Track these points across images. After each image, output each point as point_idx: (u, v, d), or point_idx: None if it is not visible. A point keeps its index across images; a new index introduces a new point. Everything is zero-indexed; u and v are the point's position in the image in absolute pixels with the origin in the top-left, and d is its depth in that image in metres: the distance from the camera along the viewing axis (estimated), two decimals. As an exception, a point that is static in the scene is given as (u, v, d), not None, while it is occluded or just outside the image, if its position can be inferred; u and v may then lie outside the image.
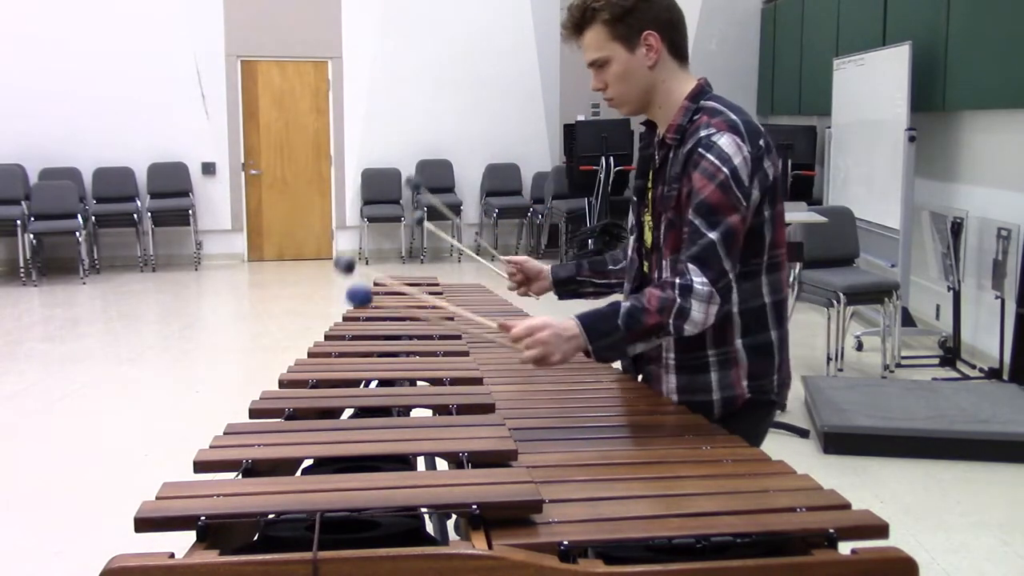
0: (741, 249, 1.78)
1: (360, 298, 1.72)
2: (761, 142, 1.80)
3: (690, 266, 1.75)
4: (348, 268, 1.98)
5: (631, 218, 2.08)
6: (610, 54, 1.87)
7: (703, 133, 1.79)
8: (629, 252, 2.10)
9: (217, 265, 9.93)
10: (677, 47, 1.89)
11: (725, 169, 1.74)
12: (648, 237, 1.98)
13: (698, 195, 1.76)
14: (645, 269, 2.01)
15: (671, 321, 1.74)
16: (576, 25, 1.91)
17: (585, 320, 1.77)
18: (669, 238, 1.86)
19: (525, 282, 2.34)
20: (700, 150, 1.77)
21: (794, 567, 1.24)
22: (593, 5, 1.85)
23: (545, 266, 2.32)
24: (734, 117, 1.80)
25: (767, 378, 1.90)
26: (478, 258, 2.50)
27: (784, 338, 1.93)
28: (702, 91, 1.89)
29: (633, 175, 10.52)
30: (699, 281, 1.73)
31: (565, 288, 2.30)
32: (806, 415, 4.74)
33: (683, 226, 1.81)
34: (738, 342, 1.87)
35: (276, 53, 9.95)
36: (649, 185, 1.98)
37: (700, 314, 1.73)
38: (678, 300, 1.73)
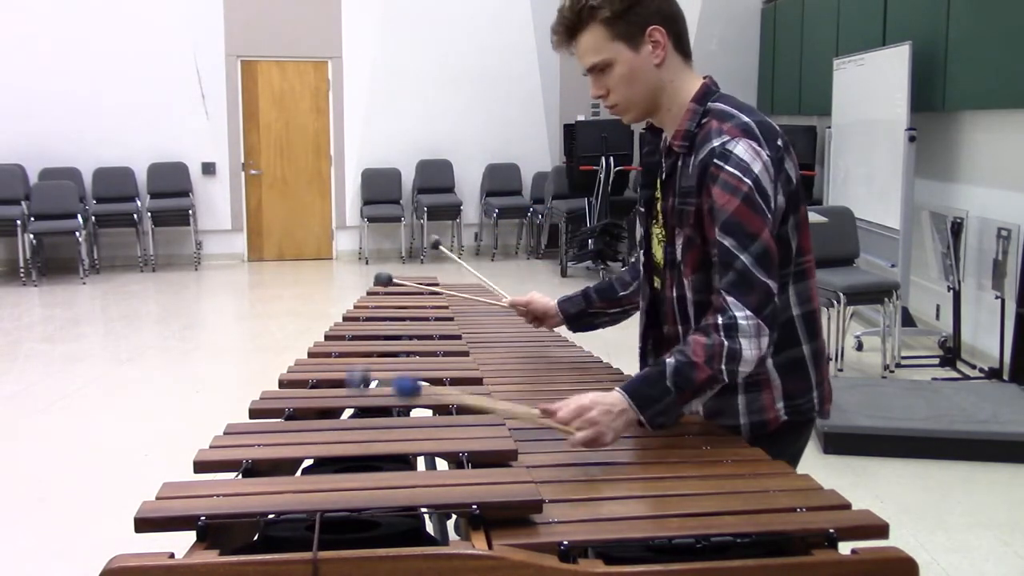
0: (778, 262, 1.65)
1: (407, 391, 1.54)
2: (779, 142, 1.67)
3: (728, 299, 1.60)
4: (364, 383, 1.77)
5: (639, 230, 1.95)
6: (612, 56, 1.70)
7: (716, 142, 1.64)
8: (640, 267, 1.97)
9: (217, 265, 9.93)
10: (682, 42, 1.75)
11: (748, 180, 1.61)
12: (658, 251, 1.86)
13: (723, 212, 1.62)
14: (656, 285, 1.89)
15: (723, 367, 1.59)
16: (570, 28, 1.73)
17: (630, 390, 1.61)
18: (689, 257, 1.72)
19: (536, 321, 2.30)
20: (716, 161, 1.63)
21: (794, 567, 1.24)
22: (590, 3, 1.69)
23: (552, 302, 2.25)
24: (746, 119, 1.67)
25: (805, 397, 1.77)
26: (490, 287, 2.45)
27: (820, 351, 1.79)
28: (708, 91, 1.74)
29: (636, 182, 10.51)
30: (742, 316, 1.59)
31: (578, 323, 2.23)
32: (806, 415, 4.73)
33: (709, 246, 1.67)
34: (768, 361, 1.72)
35: (276, 53, 9.95)
36: (658, 195, 1.84)
37: (752, 351, 1.59)
38: (726, 343, 1.59)
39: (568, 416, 1.58)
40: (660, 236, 1.85)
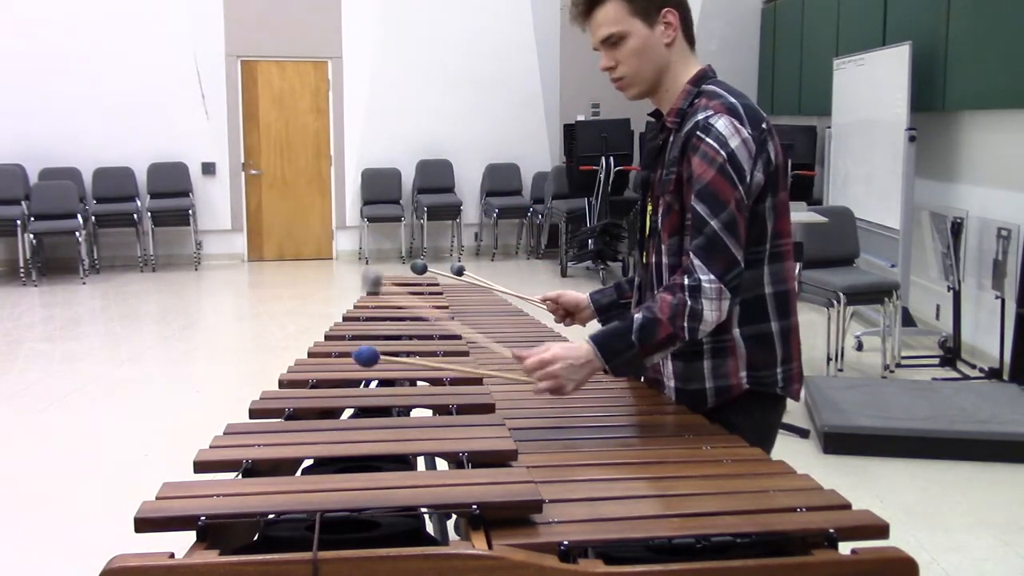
0: (745, 235, 1.76)
1: (365, 359, 1.68)
2: (763, 125, 1.78)
3: (696, 262, 1.72)
4: (375, 285, 1.91)
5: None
6: (628, 29, 1.82)
7: (700, 116, 1.77)
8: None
9: (217, 265, 9.93)
10: (689, 29, 1.88)
11: (723, 152, 1.72)
12: (648, 225, 1.96)
13: (699, 181, 1.74)
14: (643, 259, 1.99)
15: (685, 325, 1.71)
16: (589, 1, 1.85)
17: (598, 340, 1.76)
18: (667, 221, 1.84)
19: (567, 315, 2.29)
20: (698, 133, 1.75)
21: (794, 567, 1.24)
22: None
23: (583, 295, 2.27)
24: (733, 100, 1.78)
25: (768, 370, 1.85)
26: (517, 295, 2.43)
27: (788, 330, 1.88)
28: (704, 76, 1.87)
29: (636, 182, 10.55)
30: (706, 279, 1.71)
31: (609, 315, 2.24)
32: (806, 415, 4.74)
33: (684, 211, 1.78)
34: (735, 331, 1.83)
35: (276, 53, 9.95)
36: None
37: (712, 312, 1.71)
38: (688, 302, 1.71)
39: (531, 367, 1.76)
40: (651, 212, 1.95)
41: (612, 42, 1.84)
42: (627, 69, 1.85)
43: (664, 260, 1.86)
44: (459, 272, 2.63)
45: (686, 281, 1.72)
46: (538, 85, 10.33)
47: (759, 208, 1.79)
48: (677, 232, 1.82)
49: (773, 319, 1.86)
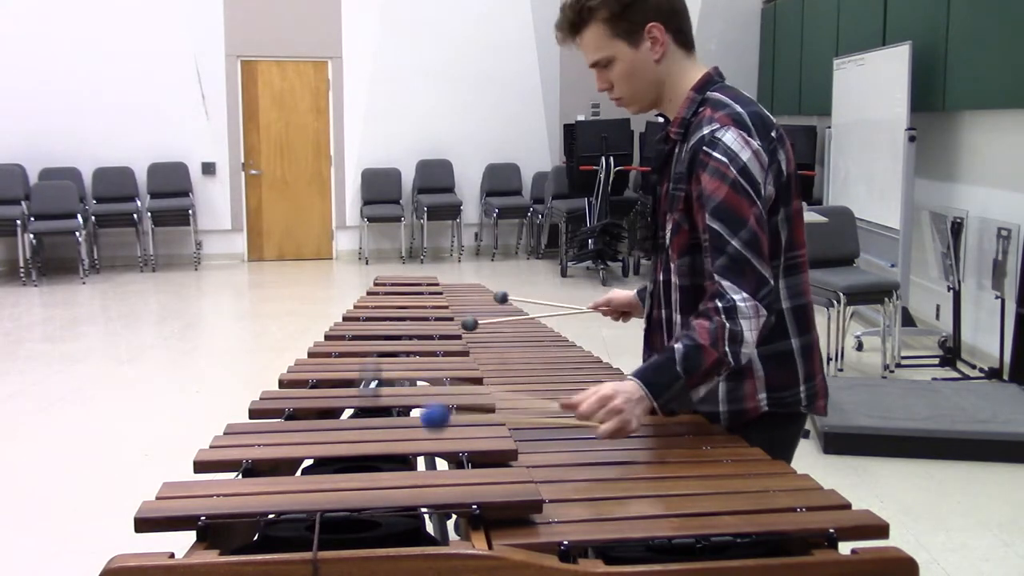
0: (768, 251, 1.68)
1: (437, 419, 1.52)
2: (773, 134, 1.70)
3: (724, 283, 1.63)
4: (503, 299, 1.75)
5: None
6: (613, 53, 1.76)
7: (706, 130, 1.68)
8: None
9: (217, 265, 9.92)
10: (682, 36, 1.78)
11: (734, 167, 1.64)
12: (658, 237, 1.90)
13: (712, 199, 1.65)
14: (653, 273, 1.92)
15: (727, 349, 1.61)
16: (572, 25, 1.79)
17: (643, 377, 1.63)
18: (676, 241, 1.76)
19: (624, 316, 2.28)
20: (705, 148, 1.67)
21: (794, 567, 1.24)
22: (589, 4, 1.74)
23: (630, 293, 2.25)
24: (739, 109, 1.70)
25: (790, 390, 1.78)
26: (573, 307, 2.43)
27: (809, 346, 1.81)
28: (709, 81, 1.78)
29: (636, 182, 10.43)
30: (740, 298, 1.62)
31: None
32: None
33: (693, 230, 1.72)
34: (752, 352, 1.71)
35: (276, 53, 9.95)
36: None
37: (752, 332, 1.62)
38: (727, 325, 1.61)
39: (591, 409, 1.60)
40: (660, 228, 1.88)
41: (602, 65, 1.79)
42: (621, 91, 1.80)
43: (674, 280, 1.80)
44: (503, 299, 2.64)
45: (719, 304, 1.63)
46: (538, 85, 10.33)
47: (772, 220, 1.71)
48: (687, 252, 1.74)
49: (793, 335, 1.78)
